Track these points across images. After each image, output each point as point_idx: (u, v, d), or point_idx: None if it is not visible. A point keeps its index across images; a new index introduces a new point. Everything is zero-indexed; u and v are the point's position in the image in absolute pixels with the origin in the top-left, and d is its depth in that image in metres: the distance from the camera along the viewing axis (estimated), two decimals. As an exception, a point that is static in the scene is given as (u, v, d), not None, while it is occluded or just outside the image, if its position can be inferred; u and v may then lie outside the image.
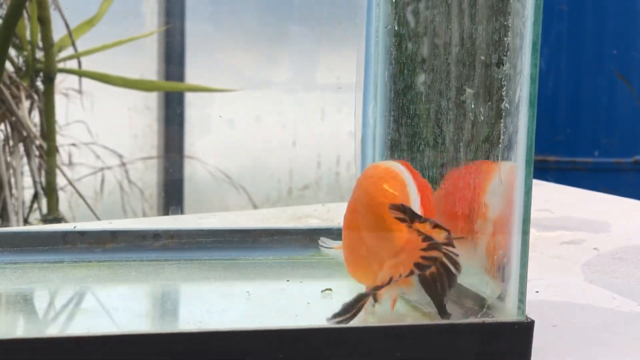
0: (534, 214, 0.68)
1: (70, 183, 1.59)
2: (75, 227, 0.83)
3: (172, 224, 0.96)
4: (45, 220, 1.50)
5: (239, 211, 1.86)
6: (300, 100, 2.38)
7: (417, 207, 0.67)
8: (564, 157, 2.47)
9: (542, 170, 2.40)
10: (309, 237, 0.82)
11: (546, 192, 1.41)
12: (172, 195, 2.08)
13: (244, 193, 2.02)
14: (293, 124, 2.41)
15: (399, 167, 0.70)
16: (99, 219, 1.63)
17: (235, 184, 2.01)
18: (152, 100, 2.20)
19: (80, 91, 1.88)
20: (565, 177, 2.26)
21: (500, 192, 0.76)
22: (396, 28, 0.85)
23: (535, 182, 0.83)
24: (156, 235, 0.80)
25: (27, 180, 1.71)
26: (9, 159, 1.54)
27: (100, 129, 2.02)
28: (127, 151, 2.21)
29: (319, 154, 2.40)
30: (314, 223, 0.93)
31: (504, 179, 0.71)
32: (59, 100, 1.75)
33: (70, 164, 1.89)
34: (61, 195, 1.65)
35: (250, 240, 0.82)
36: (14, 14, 1.49)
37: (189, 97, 2.26)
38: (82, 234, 0.80)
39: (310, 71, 2.38)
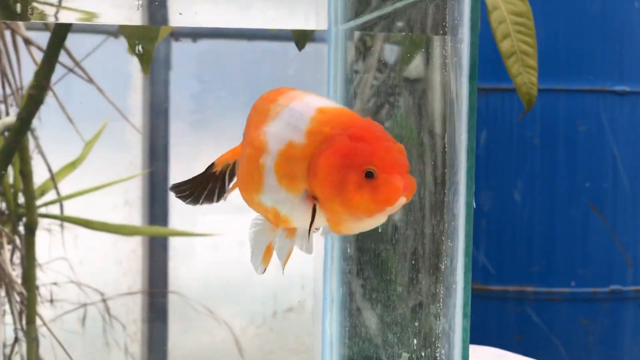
0: None
1: (52, 334, 1.59)
2: None
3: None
4: (24, 374, 1.51)
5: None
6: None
7: None
8: (541, 287, 2.49)
9: (519, 300, 2.42)
10: None
11: None
12: (155, 330, 2.08)
13: (225, 327, 2.04)
14: (276, 245, 2.42)
15: None
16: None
17: (218, 318, 2.03)
18: (137, 224, 2.22)
19: (62, 225, 1.90)
20: (543, 307, 2.28)
21: None
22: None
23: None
24: None
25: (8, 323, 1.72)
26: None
27: (83, 257, 2.04)
28: (110, 277, 2.22)
29: (302, 276, 2.42)
30: None
31: None
32: (41, 236, 1.77)
33: (52, 301, 1.90)
34: (42, 340, 1.65)
35: None
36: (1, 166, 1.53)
37: (172, 220, 2.28)
38: None
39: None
